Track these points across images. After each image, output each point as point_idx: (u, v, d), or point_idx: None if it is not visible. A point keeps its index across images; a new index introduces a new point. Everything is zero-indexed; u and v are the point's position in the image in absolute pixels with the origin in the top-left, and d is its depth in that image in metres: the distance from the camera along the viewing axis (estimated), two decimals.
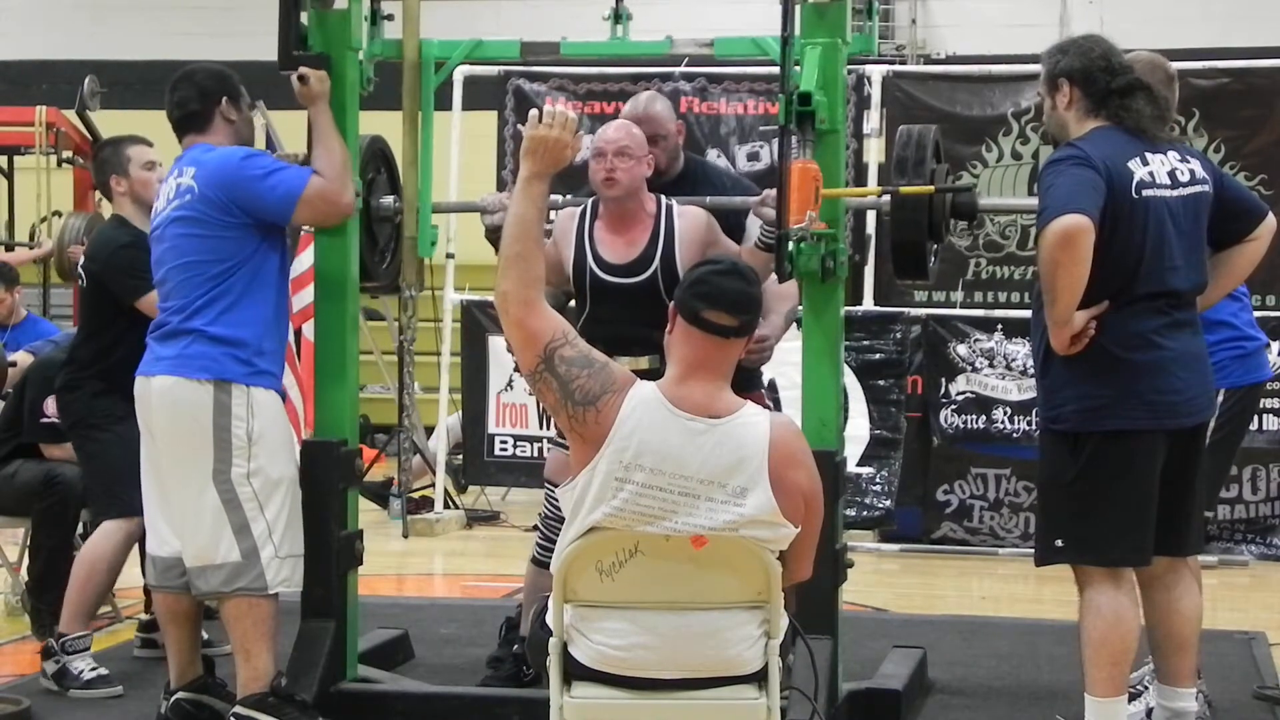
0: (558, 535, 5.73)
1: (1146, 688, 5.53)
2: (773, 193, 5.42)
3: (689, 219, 5.78)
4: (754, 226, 5.77)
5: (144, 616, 6.69)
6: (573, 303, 5.95)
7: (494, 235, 5.88)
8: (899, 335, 9.70)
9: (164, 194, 5.54)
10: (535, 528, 6.12)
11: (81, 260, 6.49)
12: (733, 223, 5.90)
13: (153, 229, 5.59)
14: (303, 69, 5.49)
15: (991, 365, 9.63)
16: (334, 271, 5.76)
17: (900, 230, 5.37)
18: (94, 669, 6.07)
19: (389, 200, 6.00)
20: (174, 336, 5.39)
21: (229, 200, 5.35)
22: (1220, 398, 5.84)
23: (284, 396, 5.58)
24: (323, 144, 5.47)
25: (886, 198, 5.40)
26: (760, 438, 4.06)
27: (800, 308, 5.57)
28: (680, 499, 4.01)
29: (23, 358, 7.87)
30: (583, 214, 5.89)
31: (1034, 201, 5.20)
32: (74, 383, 6.39)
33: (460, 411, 10.83)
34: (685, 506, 4.00)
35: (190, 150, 5.51)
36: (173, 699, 5.57)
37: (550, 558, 5.82)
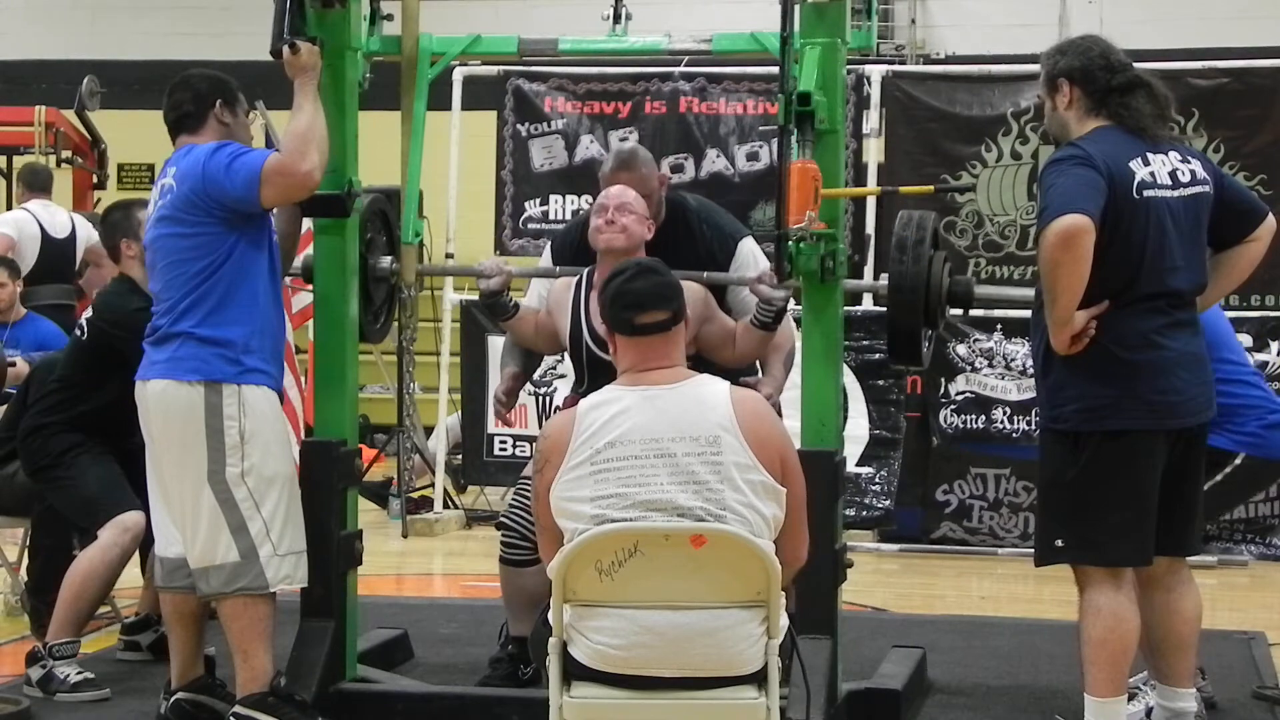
0: (524, 528, 5.74)
1: (1141, 689, 5.52)
2: (769, 270, 5.42)
3: (685, 294, 5.72)
4: (749, 301, 5.73)
5: (130, 618, 6.67)
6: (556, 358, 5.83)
7: (490, 299, 5.87)
8: None
9: (152, 198, 5.57)
10: (499, 526, 6.01)
11: (87, 314, 6.49)
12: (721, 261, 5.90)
13: (145, 233, 5.61)
14: (295, 40, 5.42)
15: (991, 365, 9.63)
16: (333, 272, 5.75)
17: (897, 312, 5.36)
18: (80, 673, 6.03)
19: (386, 262, 5.97)
20: (166, 340, 5.40)
21: (203, 194, 5.34)
22: (1239, 459, 5.85)
23: (282, 397, 5.57)
24: (293, 117, 5.39)
25: (884, 281, 5.44)
26: (720, 393, 4.18)
27: (799, 308, 5.57)
28: (658, 460, 4.07)
29: (20, 363, 7.86)
30: (578, 284, 5.85)
31: (1029, 292, 5.24)
32: (39, 426, 6.43)
33: (460, 411, 10.83)
34: (666, 468, 4.06)
35: (176, 152, 5.52)
36: (173, 699, 5.57)
37: (520, 555, 5.84)
